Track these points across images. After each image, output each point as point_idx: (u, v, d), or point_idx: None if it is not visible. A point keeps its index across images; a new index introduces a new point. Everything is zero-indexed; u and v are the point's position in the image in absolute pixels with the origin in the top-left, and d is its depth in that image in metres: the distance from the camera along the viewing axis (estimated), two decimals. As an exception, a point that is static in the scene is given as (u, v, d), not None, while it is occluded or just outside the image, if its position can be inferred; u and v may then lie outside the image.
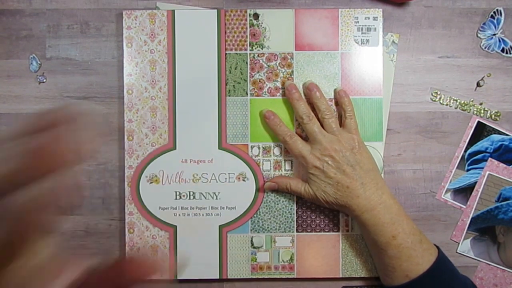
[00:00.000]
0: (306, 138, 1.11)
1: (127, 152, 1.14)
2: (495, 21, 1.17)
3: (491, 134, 1.16)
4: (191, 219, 1.14)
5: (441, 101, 1.17)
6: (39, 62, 1.17)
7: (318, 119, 1.10)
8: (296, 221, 1.15)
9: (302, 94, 1.13)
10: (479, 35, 1.17)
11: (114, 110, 1.17)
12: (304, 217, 1.15)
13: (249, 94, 1.14)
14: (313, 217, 1.15)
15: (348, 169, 1.05)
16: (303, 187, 1.09)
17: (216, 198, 1.14)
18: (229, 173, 1.14)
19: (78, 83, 1.17)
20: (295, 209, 1.15)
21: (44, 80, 1.17)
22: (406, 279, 1.03)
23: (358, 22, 1.14)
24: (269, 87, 1.14)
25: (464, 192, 1.17)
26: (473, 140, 1.16)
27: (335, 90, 1.13)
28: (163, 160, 1.14)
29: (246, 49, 1.14)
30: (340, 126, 1.10)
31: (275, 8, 1.17)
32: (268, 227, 1.15)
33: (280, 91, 1.14)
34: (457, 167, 1.17)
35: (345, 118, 1.10)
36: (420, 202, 1.17)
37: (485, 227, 1.16)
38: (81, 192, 1.11)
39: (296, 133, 1.13)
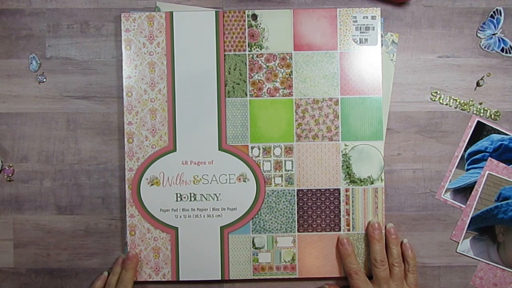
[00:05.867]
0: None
1: (127, 154, 1.14)
2: (494, 21, 1.16)
3: (491, 133, 1.16)
4: (192, 220, 1.14)
5: (441, 101, 1.17)
6: (39, 62, 1.17)
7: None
8: (298, 221, 1.15)
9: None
10: (478, 34, 1.17)
11: (114, 110, 1.17)
12: (305, 217, 1.15)
13: (248, 95, 1.14)
14: (314, 217, 1.15)
15: None
16: None
17: (217, 199, 1.14)
18: (229, 174, 1.14)
19: (78, 83, 1.17)
20: (296, 209, 1.15)
21: (44, 80, 1.17)
22: None
23: (356, 21, 1.14)
24: (269, 88, 1.14)
25: (463, 191, 1.17)
26: (473, 139, 1.16)
27: (389, 228, 1.15)
28: (163, 162, 1.14)
29: (245, 50, 1.14)
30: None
31: (274, 7, 1.17)
32: (269, 228, 1.15)
33: (280, 91, 1.14)
34: (456, 167, 1.17)
35: (407, 271, 1.13)
36: (419, 201, 1.17)
37: (484, 227, 1.16)
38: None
39: (296, 133, 1.14)
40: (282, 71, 1.14)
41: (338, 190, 1.15)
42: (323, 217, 1.15)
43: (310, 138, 1.14)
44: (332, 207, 1.15)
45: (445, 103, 1.17)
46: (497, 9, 1.16)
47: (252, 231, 1.15)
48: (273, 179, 1.15)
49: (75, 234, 1.18)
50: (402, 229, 1.17)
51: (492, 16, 1.16)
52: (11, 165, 1.17)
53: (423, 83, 1.17)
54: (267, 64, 1.14)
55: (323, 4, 1.18)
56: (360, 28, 1.14)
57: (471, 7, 1.17)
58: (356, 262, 1.12)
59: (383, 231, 1.13)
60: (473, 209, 1.16)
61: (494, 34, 1.17)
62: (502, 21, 1.16)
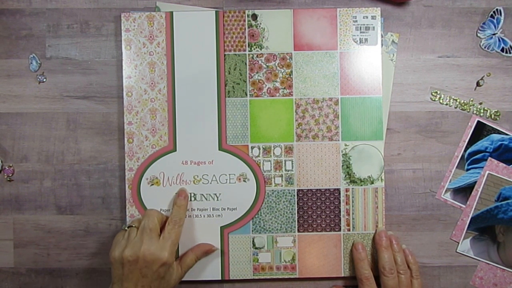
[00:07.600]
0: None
1: (127, 154, 1.14)
2: (494, 21, 1.16)
3: (491, 133, 1.16)
4: (193, 220, 1.14)
5: (441, 101, 1.17)
6: (39, 62, 1.17)
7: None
8: (298, 221, 1.15)
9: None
10: (479, 34, 1.17)
11: (114, 110, 1.17)
12: (305, 217, 1.15)
13: (248, 95, 1.14)
14: (314, 217, 1.15)
15: None
16: None
17: (217, 199, 1.14)
18: (229, 174, 1.14)
19: (78, 83, 1.17)
20: (296, 209, 1.15)
21: (44, 80, 1.17)
22: None
23: (356, 21, 1.14)
24: (269, 88, 1.14)
25: (463, 191, 1.17)
26: (473, 139, 1.16)
27: (390, 235, 1.14)
28: (163, 162, 1.14)
29: (245, 50, 1.14)
30: None
31: (275, 7, 1.17)
32: (269, 228, 1.15)
33: (280, 91, 1.14)
34: (457, 167, 1.17)
35: (411, 277, 1.12)
36: (419, 201, 1.17)
37: (484, 227, 1.16)
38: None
39: (296, 133, 1.14)
40: (282, 71, 1.14)
41: (338, 190, 1.15)
42: (323, 217, 1.15)
43: (310, 138, 1.14)
44: (332, 207, 1.15)
45: (445, 103, 1.17)
46: (497, 9, 1.16)
47: (252, 231, 1.15)
48: (273, 179, 1.15)
49: (75, 234, 1.18)
50: (402, 229, 1.17)
51: (492, 16, 1.16)
52: (11, 165, 1.17)
53: (423, 83, 1.17)
54: (267, 64, 1.14)
55: (323, 4, 1.18)
56: (360, 28, 1.14)
57: (471, 7, 1.17)
58: (368, 268, 1.12)
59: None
60: (473, 209, 1.16)
61: (494, 34, 1.16)
62: (502, 21, 1.16)
